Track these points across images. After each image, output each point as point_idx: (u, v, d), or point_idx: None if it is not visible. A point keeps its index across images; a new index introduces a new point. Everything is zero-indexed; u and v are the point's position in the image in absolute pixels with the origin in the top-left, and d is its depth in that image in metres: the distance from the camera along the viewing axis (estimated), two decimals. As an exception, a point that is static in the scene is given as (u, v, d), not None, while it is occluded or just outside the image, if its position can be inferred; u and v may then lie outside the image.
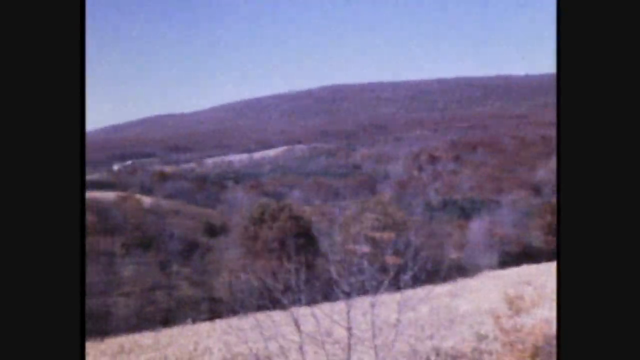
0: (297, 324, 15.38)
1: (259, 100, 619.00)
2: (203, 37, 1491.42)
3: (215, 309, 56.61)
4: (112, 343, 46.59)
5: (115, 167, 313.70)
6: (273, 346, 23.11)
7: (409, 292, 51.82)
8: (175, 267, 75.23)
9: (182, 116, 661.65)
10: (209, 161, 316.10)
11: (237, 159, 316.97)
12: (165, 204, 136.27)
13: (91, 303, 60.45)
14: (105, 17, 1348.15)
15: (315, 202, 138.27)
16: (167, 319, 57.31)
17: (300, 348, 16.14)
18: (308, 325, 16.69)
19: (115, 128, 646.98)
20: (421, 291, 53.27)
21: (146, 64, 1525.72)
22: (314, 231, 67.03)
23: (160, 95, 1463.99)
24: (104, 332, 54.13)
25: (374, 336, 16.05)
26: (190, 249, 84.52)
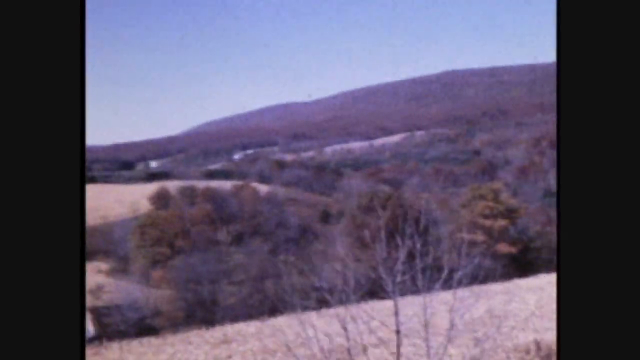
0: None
1: (381, 87, 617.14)
2: (324, 26, 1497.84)
3: (323, 298, 56.17)
4: (217, 332, 46.83)
5: (237, 156, 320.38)
6: (373, 337, 22.37)
7: (518, 282, 49.81)
8: (286, 256, 75.50)
9: (305, 104, 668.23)
10: (329, 149, 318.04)
11: (357, 146, 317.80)
12: (282, 192, 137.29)
13: (201, 291, 61.27)
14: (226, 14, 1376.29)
15: (434, 189, 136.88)
16: (275, 308, 57.30)
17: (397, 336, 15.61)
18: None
19: (239, 117, 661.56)
20: (532, 281, 51.26)
21: (267, 53, 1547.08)
22: (424, 219, 65.50)
23: (283, 83, 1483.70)
24: (210, 321, 54.75)
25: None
26: (302, 237, 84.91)
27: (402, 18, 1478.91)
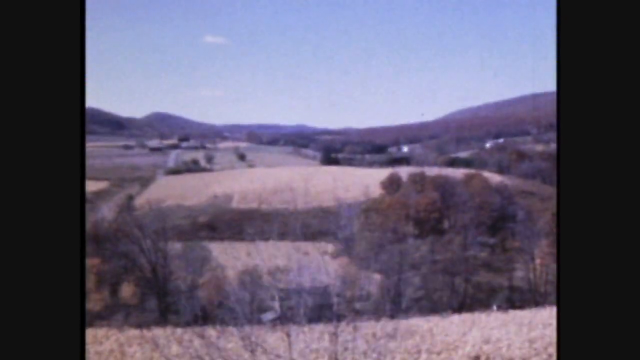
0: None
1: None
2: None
3: (513, 299, 53.41)
4: (390, 325, 45.70)
5: (487, 145, 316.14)
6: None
7: None
8: (487, 249, 72.51)
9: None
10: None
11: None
12: (515, 183, 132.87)
13: (392, 281, 60.40)
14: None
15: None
16: (463, 305, 55.35)
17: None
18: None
19: (495, 105, 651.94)
20: None
21: (524, 42, 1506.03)
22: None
23: (538, 73, 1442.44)
24: (395, 312, 53.84)
25: None
26: (517, 233, 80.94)
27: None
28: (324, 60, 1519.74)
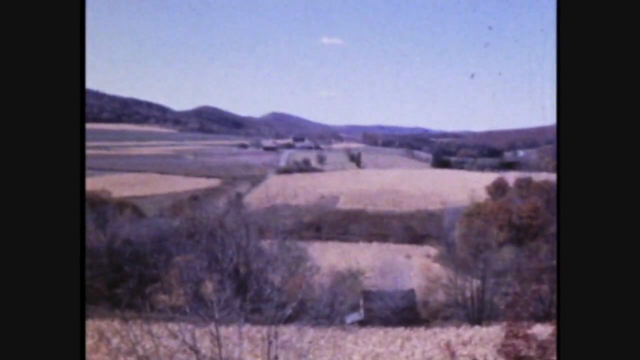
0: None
1: None
2: None
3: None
4: (467, 331, 45.67)
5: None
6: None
7: None
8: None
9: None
10: None
11: None
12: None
13: (479, 287, 59.86)
14: None
15: None
16: (548, 314, 54.13)
17: None
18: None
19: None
20: None
21: None
22: None
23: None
24: (477, 319, 53.45)
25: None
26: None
27: None
28: (444, 62, 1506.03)
